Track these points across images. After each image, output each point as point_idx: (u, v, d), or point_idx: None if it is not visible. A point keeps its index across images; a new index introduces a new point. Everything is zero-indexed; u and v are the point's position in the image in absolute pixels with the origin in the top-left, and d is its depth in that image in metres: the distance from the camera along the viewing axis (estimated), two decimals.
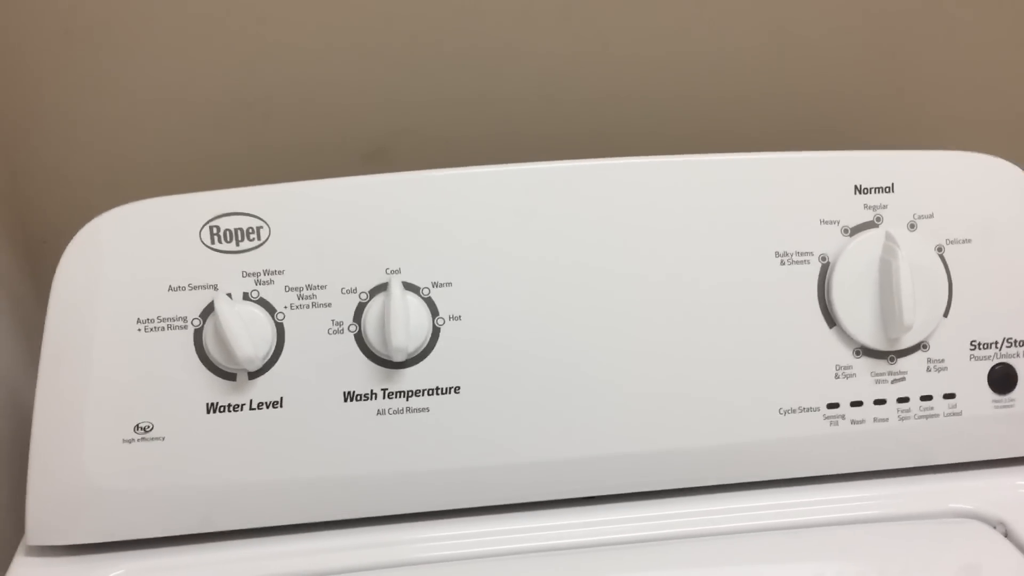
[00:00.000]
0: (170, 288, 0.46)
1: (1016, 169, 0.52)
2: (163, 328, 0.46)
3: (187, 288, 0.46)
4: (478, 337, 0.47)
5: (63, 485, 0.45)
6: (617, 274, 0.48)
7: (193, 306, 0.46)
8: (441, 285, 0.47)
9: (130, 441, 0.46)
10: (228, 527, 0.47)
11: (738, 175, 0.49)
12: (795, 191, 0.50)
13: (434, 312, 0.47)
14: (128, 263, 0.46)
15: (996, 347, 0.51)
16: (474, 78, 0.62)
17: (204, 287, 0.46)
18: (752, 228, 0.49)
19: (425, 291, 0.47)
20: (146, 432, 0.46)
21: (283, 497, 0.47)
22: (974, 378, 0.50)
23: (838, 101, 0.65)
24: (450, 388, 0.47)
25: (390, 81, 0.61)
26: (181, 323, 0.46)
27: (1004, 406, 0.51)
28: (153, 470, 0.46)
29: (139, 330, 0.46)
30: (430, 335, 0.47)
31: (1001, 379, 0.51)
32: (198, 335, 0.46)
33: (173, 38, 0.59)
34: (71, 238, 0.46)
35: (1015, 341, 0.51)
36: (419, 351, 0.47)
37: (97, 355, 0.46)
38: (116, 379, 0.46)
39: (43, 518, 0.46)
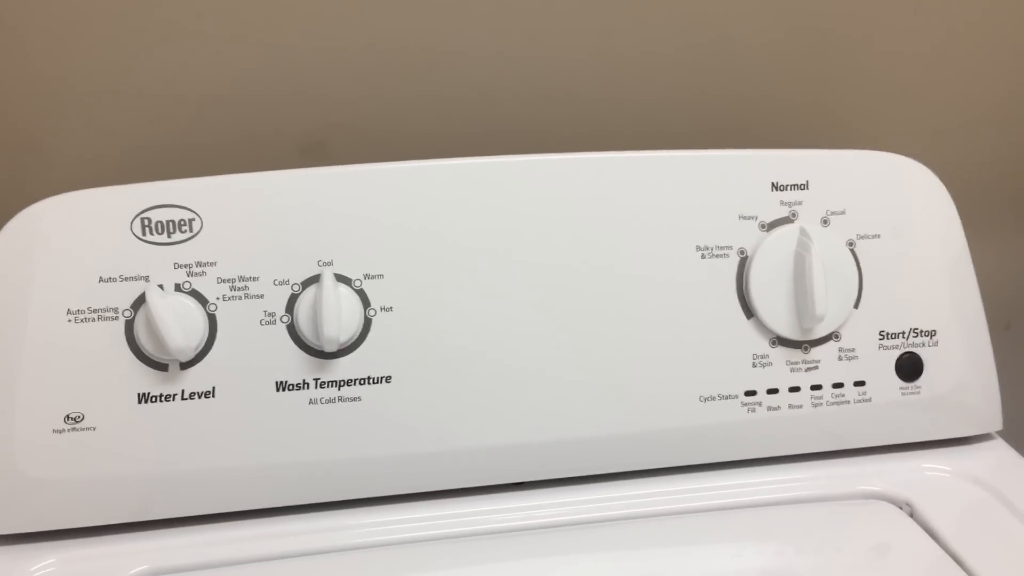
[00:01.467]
0: (101, 279, 0.46)
1: (924, 169, 0.54)
2: (94, 319, 0.46)
3: (118, 279, 0.46)
4: (409, 327, 0.48)
5: None
6: (543, 267, 0.49)
7: (124, 297, 0.46)
8: (373, 277, 0.48)
9: (60, 431, 0.46)
10: (160, 516, 0.47)
11: (662, 171, 0.51)
12: (716, 187, 0.51)
13: (366, 303, 0.48)
14: (58, 254, 0.46)
15: (903, 337, 0.53)
16: (410, 74, 0.62)
17: (135, 278, 0.46)
18: (674, 222, 0.51)
19: (357, 283, 0.48)
20: (77, 422, 0.46)
21: (215, 486, 0.47)
22: (883, 366, 0.52)
23: (759, 103, 0.66)
24: (381, 378, 0.48)
25: (327, 75, 0.62)
26: (112, 314, 0.46)
27: (911, 393, 0.53)
28: (84, 460, 0.46)
29: (69, 321, 0.46)
30: (362, 326, 0.48)
31: (908, 367, 0.53)
32: (129, 326, 0.46)
33: (105, 29, 0.58)
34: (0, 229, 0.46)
35: (921, 331, 0.53)
36: (351, 341, 0.48)
37: (27, 345, 0.45)
38: (46, 369, 0.46)
39: None
